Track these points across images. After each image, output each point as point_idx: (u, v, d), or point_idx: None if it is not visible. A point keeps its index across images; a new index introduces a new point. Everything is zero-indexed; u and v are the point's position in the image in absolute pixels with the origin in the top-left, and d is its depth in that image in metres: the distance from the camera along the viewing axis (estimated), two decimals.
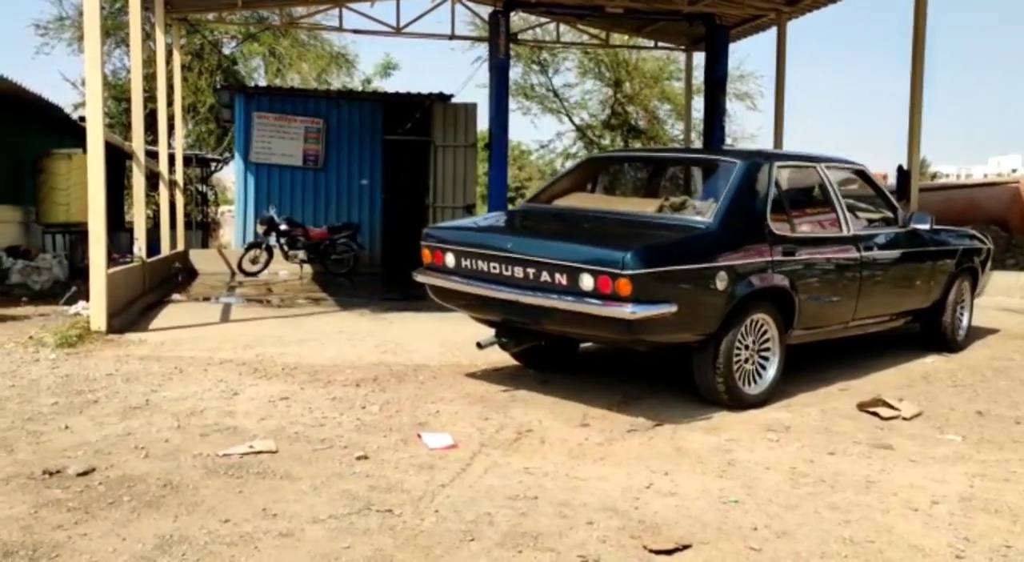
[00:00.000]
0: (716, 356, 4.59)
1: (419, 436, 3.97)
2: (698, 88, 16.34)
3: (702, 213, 4.85)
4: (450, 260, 5.04)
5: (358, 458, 3.67)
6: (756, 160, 5.20)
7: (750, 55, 44.35)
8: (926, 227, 5.97)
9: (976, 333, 7.17)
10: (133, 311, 7.50)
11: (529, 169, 30.53)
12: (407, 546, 2.80)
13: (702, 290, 4.45)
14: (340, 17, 14.47)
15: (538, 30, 18.06)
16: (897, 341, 6.77)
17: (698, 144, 16.92)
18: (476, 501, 3.21)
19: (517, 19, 15.70)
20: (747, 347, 4.75)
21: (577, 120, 23.71)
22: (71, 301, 8.01)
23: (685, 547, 2.87)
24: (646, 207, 5.14)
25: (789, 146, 13.26)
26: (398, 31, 14.40)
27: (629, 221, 4.98)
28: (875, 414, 4.69)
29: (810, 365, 5.76)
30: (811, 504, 3.33)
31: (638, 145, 23.53)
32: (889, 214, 6.06)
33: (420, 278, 5.26)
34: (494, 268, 4.74)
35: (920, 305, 6.18)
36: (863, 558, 2.86)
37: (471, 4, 14.81)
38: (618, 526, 3.03)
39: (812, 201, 5.77)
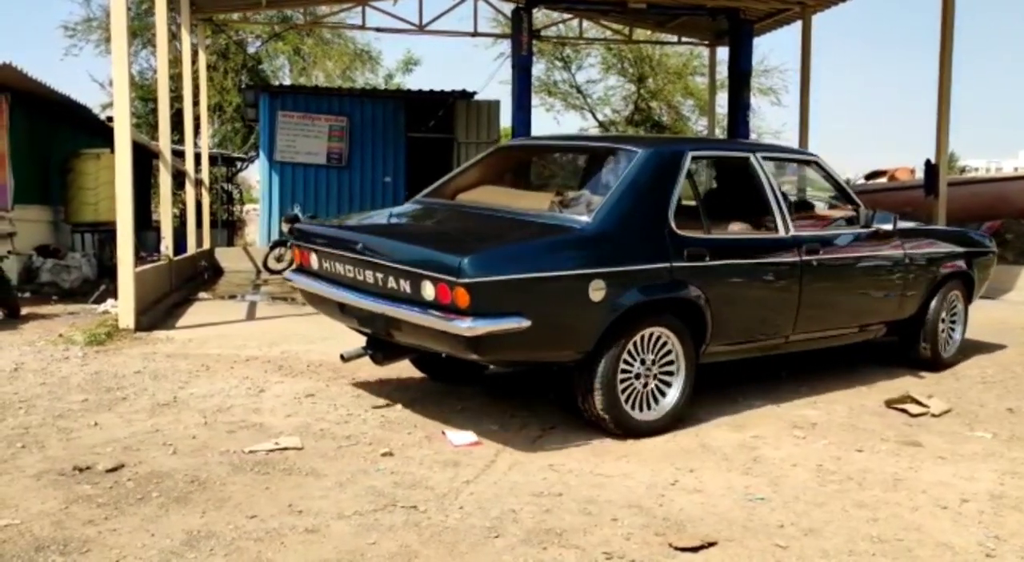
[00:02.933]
0: (594, 377, 3.92)
1: (443, 433, 3.98)
2: (722, 83, 16.23)
3: (584, 210, 4.12)
4: (314, 261, 4.50)
5: (383, 455, 3.68)
6: (662, 149, 4.54)
7: (774, 50, 43.95)
8: (889, 227, 5.07)
9: (989, 334, 7.04)
10: (160, 309, 7.57)
11: None
12: (432, 542, 2.81)
13: (570, 301, 3.79)
14: (363, 15, 14.53)
15: (561, 26, 18.04)
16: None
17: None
18: (500, 498, 3.22)
19: (540, 15, 15.67)
20: (642, 366, 4.06)
21: (600, 116, 23.66)
22: (100, 299, 8.11)
23: (711, 545, 2.85)
24: (539, 203, 4.42)
25: (818, 144, 13.12)
26: (421, 29, 14.43)
27: (508, 220, 4.30)
28: (903, 411, 4.63)
29: (836, 363, 5.71)
30: (838, 502, 3.30)
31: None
32: (852, 213, 5.27)
33: (290, 280, 4.74)
34: (348, 271, 4.21)
35: (892, 316, 5.36)
36: (891, 556, 2.83)
37: (493, 1, 14.80)
38: (643, 523, 3.02)
39: (741, 197, 5.01)
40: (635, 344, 4.03)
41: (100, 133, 12.39)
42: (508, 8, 14.13)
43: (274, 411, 4.34)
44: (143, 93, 19.14)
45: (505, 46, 17.95)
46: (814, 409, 4.68)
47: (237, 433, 3.96)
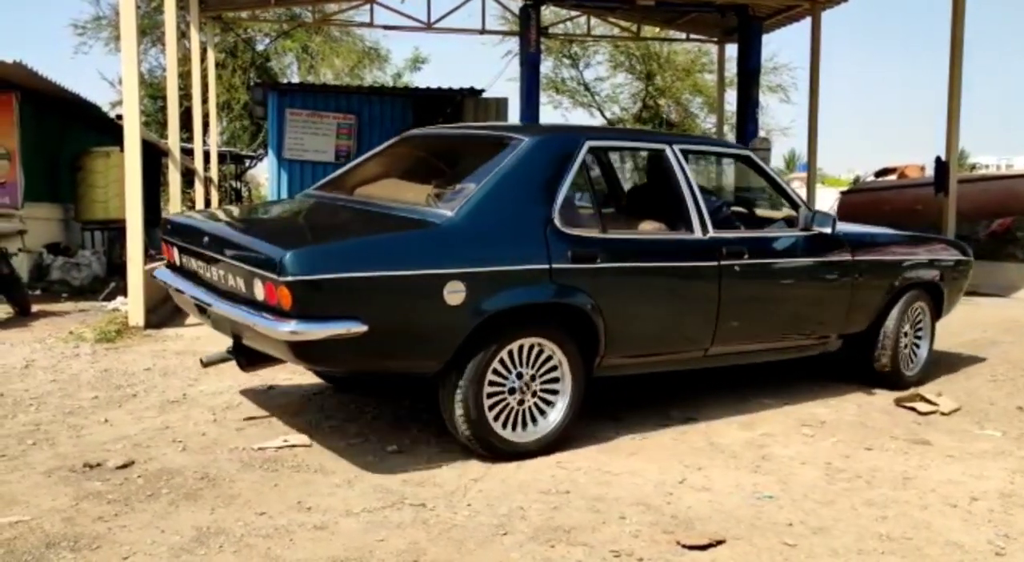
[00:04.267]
0: (456, 391, 3.52)
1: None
2: (731, 80, 16.19)
3: (450, 203, 3.68)
4: (176, 257, 4.14)
5: (391, 452, 3.69)
6: (550, 138, 4.07)
7: (783, 47, 43.84)
8: (827, 230, 4.54)
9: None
10: (170, 307, 7.60)
11: None
12: (440, 539, 2.81)
13: (419, 304, 3.38)
14: (371, 13, 14.53)
15: (569, 23, 17.99)
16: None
17: (731, 137, 16.76)
18: (508, 495, 3.22)
19: (548, 13, 15.64)
20: (518, 380, 3.65)
21: (608, 114, 23.61)
22: (110, 297, 8.15)
23: (719, 543, 2.85)
24: (419, 195, 3.96)
25: (828, 141, 13.08)
26: (429, 26, 14.44)
27: (375, 214, 3.90)
28: (913, 409, 4.62)
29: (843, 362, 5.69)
30: (847, 500, 3.29)
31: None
32: (793, 214, 4.71)
33: (156, 277, 4.36)
34: (200, 268, 3.85)
35: (841, 329, 4.83)
36: (901, 555, 2.83)
37: None
38: (651, 521, 3.02)
39: (652, 194, 4.69)
40: (508, 356, 3.61)
41: (110, 131, 12.44)
42: (516, 5, 14.13)
43: (283, 408, 4.35)
44: (152, 91, 19.20)
45: (513, 43, 17.94)
46: (823, 407, 4.67)
47: (246, 430, 3.97)
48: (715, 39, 16.14)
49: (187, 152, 12.50)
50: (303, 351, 3.28)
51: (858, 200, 17.08)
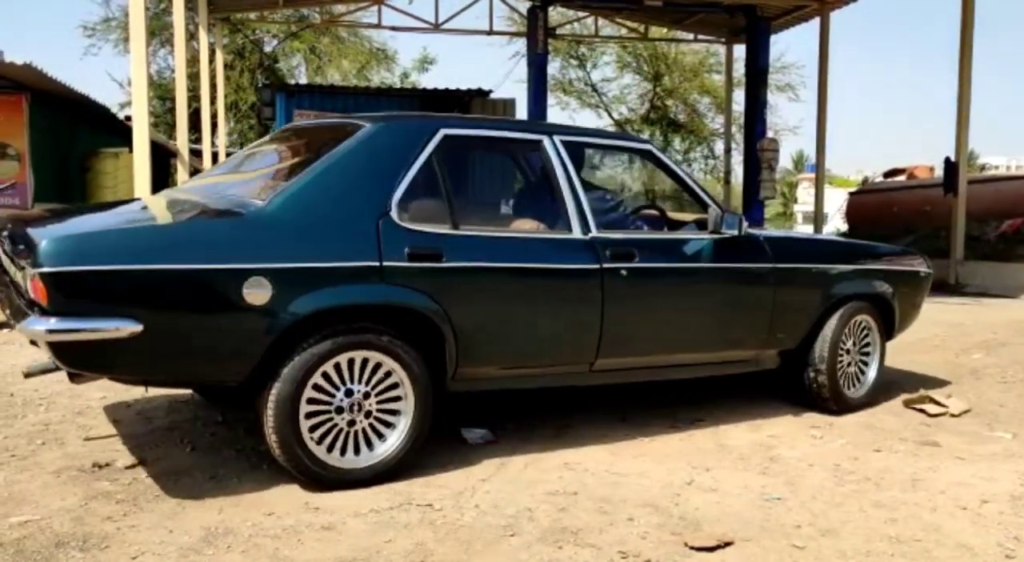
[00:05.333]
0: (266, 407, 3.12)
1: (459, 430, 3.99)
2: (739, 80, 16.17)
3: (267, 193, 3.32)
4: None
5: None
6: (396, 124, 3.70)
7: (791, 46, 43.74)
8: (734, 232, 4.06)
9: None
10: None
11: None
12: (447, 540, 2.81)
13: (212, 303, 2.99)
14: (379, 14, 14.58)
15: (576, 24, 18.01)
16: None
17: (739, 137, 16.72)
18: (516, 496, 3.22)
19: (555, 14, 15.65)
20: (347, 398, 3.22)
21: (616, 115, 23.62)
22: None
23: (727, 544, 2.84)
24: (252, 188, 3.66)
25: (836, 140, 13.05)
26: (436, 27, 14.46)
27: (203, 206, 3.56)
28: (922, 411, 4.60)
29: None
30: (856, 502, 3.28)
31: (678, 142, 23.37)
32: (705, 215, 4.22)
33: None
34: (8, 266, 3.47)
35: (762, 345, 4.33)
36: (910, 557, 2.81)
37: None
38: (658, 522, 3.01)
39: (526, 189, 4.35)
40: (336, 369, 3.20)
41: (119, 132, 12.50)
42: (524, 6, 14.14)
43: None
44: (161, 92, 19.28)
45: (520, 44, 17.99)
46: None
47: (254, 430, 3.98)
48: (723, 39, 16.13)
49: (196, 153, 12.55)
50: (67, 354, 2.89)
51: (867, 201, 17.04)
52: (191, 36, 14.44)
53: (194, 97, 12.90)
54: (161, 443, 3.76)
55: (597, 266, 3.72)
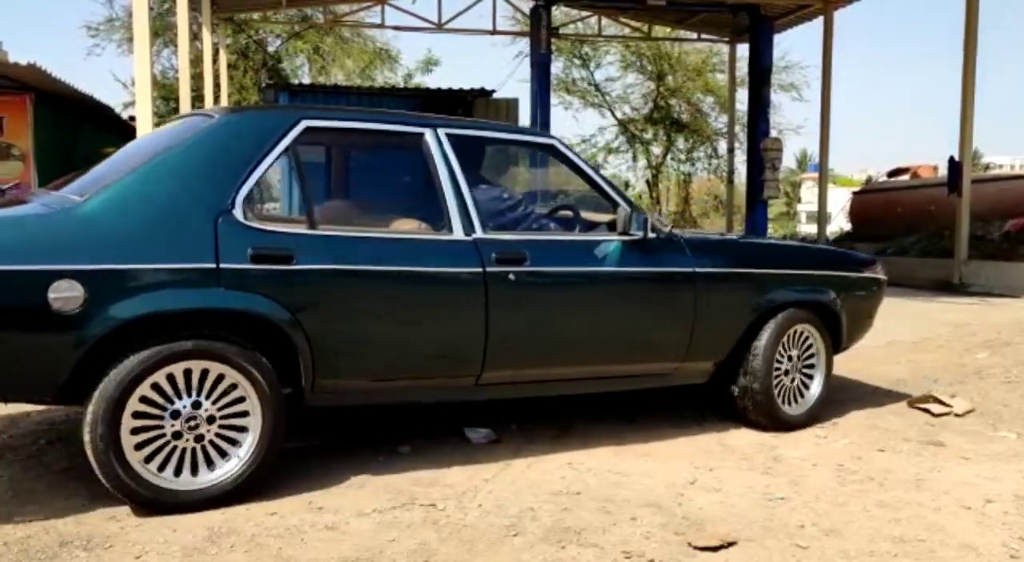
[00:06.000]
0: (97, 424, 2.82)
1: (463, 430, 3.99)
2: (742, 80, 16.16)
3: (88, 189, 3.08)
4: None
5: (402, 452, 3.70)
6: (248, 115, 3.51)
7: (795, 45, 43.73)
8: (639, 235, 3.73)
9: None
10: None
11: None
12: (451, 540, 2.82)
13: (9, 308, 2.72)
14: (382, 14, 14.60)
15: (579, 24, 18.01)
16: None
17: (742, 137, 16.70)
18: (519, 496, 3.22)
19: (558, 13, 15.66)
20: (173, 417, 2.92)
21: (619, 114, 23.62)
22: None
23: (730, 544, 2.84)
24: (90, 183, 3.34)
25: (840, 139, 13.03)
26: (439, 27, 14.48)
27: (22, 202, 3.42)
28: (926, 411, 4.59)
29: (853, 362, 5.66)
30: (859, 502, 3.27)
31: (681, 141, 23.36)
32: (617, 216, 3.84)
33: None
34: None
35: (682, 356, 3.96)
36: (914, 557, 2.81)
37: None
38: (662, 522, 3.01)
39: (404, 186, 4.15)
40: (170, 380, 2.92)
41: (123, 132, 12.52)
42: (527, 6, 14.14)
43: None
44: (165, 92, 19.30)
45: (524, 44, 17.97)
46: (834, 408, 4.64)
47: None
48: (726, 39, 16.13)
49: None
50: None
51: (870, 200, 17.01)
52: (195, 36, 14.45)
53: (198, 97, 12.91)
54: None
55: (479, 270, 3.40)
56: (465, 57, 53.23)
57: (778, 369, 4.15)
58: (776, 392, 4.14)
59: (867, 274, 4.67)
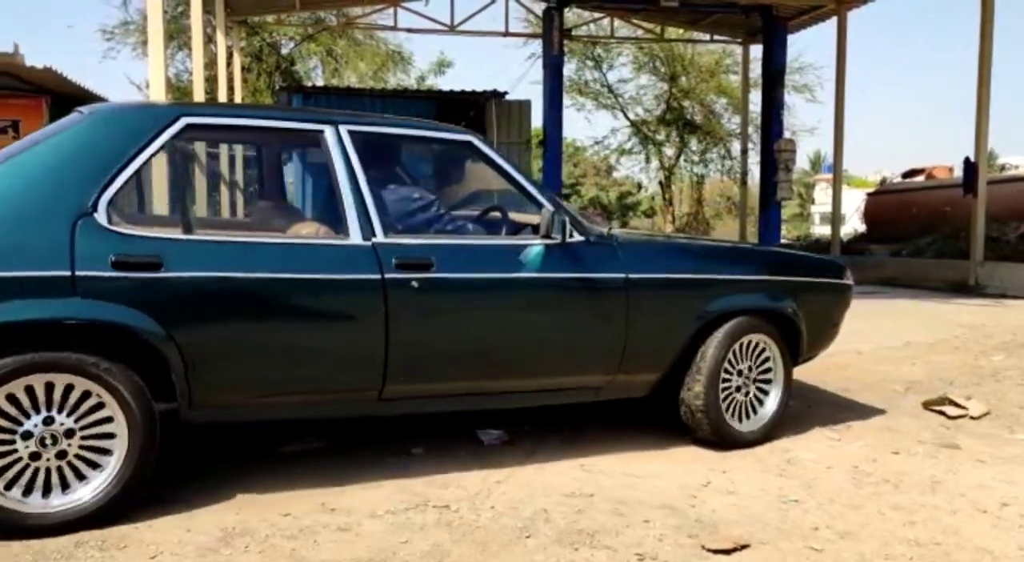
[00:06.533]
0: None
1: (475, 432, 3.99)
2: (755, 81, 16.12)
3: None
4: None
5: (414, 453, 3.70)
6: (118, 110, 3.27)
7: (809, 47, 43.55)
8: (557, 239, 3.46)
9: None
10: None
11: (584, 165, 30.46)
12: (464, 541, 2.82)
13: None
14: (395, 16, 14.64)
15: (592, 25, 18.00)
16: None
17: (755, 138, 16.64)
18: (532, 498, 3.22)
19: (571, 15, 15.66)
20: (37, 429, 2.73)
21: (632, 116, 23.60)
22: None
23: (744, 547, 2.83)
24: None
25: (854, 140, 12.96)
26: (452, 29, 14.51)
27: None
28: (941, 413, 4.56)
29: (867, 363, 5.63)
30: (874, 504, 3.25)
31: (694, 143, 23.32)
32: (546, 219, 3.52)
33: None
34: None
35: (616, 372, 3.69)
36: (929, 560, 2.79)
37: (525, 1, 14.82)
38: (675, 524, 3.00)
39: (292, 186, 3.93)
40: (28, 392, 2.72)
41: None
42: (539, 8, 14.14)
43: None
44: (179, 95, 19.41)
45: (536, 46, 17.98)
46: (849, 410, 4.62)
47: (270, 430, 4.00)
48: (739, 40, 16.08)
49: (213, 156, 12.63)
50: None
51: (885, 201, 16.93)
52: (209, 39, 14.53)
53: (212, 100, 12.99)
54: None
55: (377, 277, 3.15)
56: (478, 59, 53.29)
57: (727, 382, 3.86)
58: (725, 407, 3.84)
59: (830, 280, 4.34)
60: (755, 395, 3.98)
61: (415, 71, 23.93)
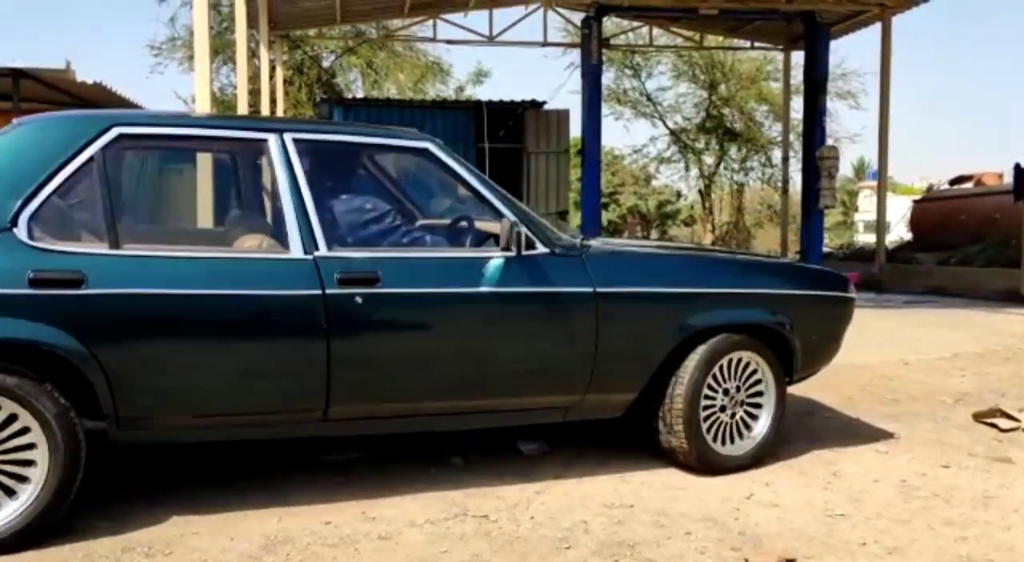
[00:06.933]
0: None
1: (515, 442, 3.98)
2: (797, 88, 15.95)
3: None
4: None
5: (454, 463, 3.70)
6: (48, 121, 3.16)
7: (852, 52, 42.99)
8: (511, 253, 3.23)
9: None
10: None
11: (622, 174, 30.37)
12: (503, 552, 2.81)
13: None
14: (434, 28, 14.76)
15: (631, 34, 17.97)
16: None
17: (797, 146, 16.46)
18: (571, 508, 3.20)
19: (609, 24, 15.64)
20: None
21: (671, 124, 23.51)
22: None
23: (789, 561, 2.78)
24: None
25: (900, 147, 12.74)
26: (491, 40, 14.59)
27: None
28: (993, 425, 4.44)
29: (916, 373, 5.51)
30: (924, 519, 3.18)
31: (734, 150, 23.14)
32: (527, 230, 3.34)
33: None
34: None
35: (584, 392, 3.44)
36: None
37: (563, 11, 14.86)
38: (718, 537, 2.96)
39: (235, 198, 3.84)
40: None
41: None
42: (578, 18, 14.16)
43: None
44: (224, 108, 19.77)
45: (575, 55, 18.00)
46: (896, 422, 4.52)
47: (312, 443, 4.03)
48: (780, 47, 15.94)
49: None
50: None
51: (932, 209, 16.61)
52: (253, 53, 14.79)
53: (255, 112, 13.21)
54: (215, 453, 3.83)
55: (317, 293, 3.00)
56: (516, 69, 53.53)
57: (711, 402, 3.59)
58: (706, 428, 3.57)
59: (827, 292, 3.99)
60: (743, 417, 3.70)
61: (453, 82, 24.11)
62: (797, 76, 15.41)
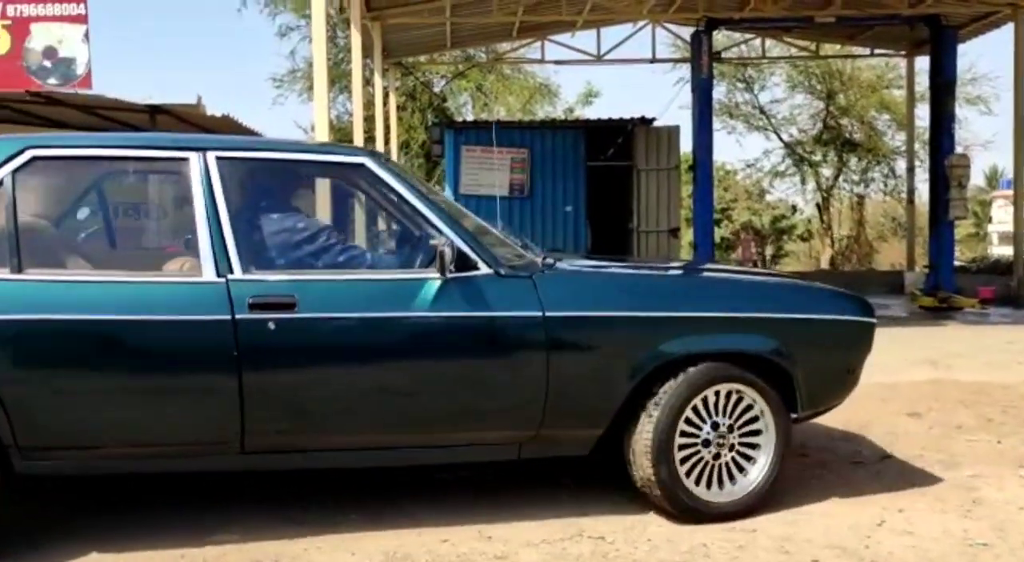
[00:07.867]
0: None
1: None
2: (922, 94, 15.25)
3: None
4: None
5: (564, 483, 3.68)
6: None
7: (983, 55, 40.82)
8: (449, 273, 2.96)
9: None
10: None
11: (735, 189, 29.71)
12: None
13: None
14: (542, 49, 14.89)
15: (743, 47, 17.62)
16: None
17: (923, 155, 15.68)
18: (690, 531, 3.12)
19: (720, 37, 15.38)
20: None
21: (785, 136, 22.83)
22: None
23: None
24: None
25: None
26: (599, 58, 14.60)
27: None
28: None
29: None
30: None
31: (854, 161, 22.30)
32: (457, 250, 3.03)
33: None
34: None
35: (538, 428, 3.12)
36: None
37: (672, 26, 14.73)
38: None
39: (155, 219, 3.69)
40: None
41: None
42: (687, 32, 14.01)
43: None
44: (340, 135, 20.47)
45: (684, 70, 17.76)
46: None
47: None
48: (903, 52, 15.30)
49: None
50: None
51: None
52: (367, 81, 15.31)
53: (370, 138, 13.65)
54: None
55: (227, 318, 2.84)
56: (625, 86, 53.32)
57: (691, 441, 3.18)
58: (684, 471, 3.17)
59: (838, 316, 3.49)
60: (736, 458, 3.26)
61: (562, 103, 24.21)
62: (922, 82, 14.75)
